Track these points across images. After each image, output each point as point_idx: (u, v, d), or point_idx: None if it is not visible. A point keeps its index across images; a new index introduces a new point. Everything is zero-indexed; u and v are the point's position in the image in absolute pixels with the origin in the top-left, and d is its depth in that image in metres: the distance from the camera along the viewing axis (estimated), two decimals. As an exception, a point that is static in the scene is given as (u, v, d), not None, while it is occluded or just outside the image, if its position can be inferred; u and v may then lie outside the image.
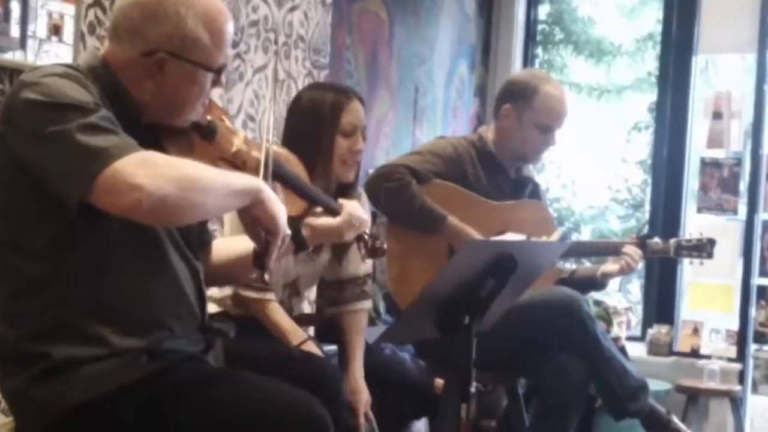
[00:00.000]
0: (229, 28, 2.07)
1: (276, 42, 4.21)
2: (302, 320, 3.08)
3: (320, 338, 3.24)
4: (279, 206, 1.95)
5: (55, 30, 3.21)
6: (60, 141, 1.79)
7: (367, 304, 3.20)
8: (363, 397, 2.99)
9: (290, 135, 2.97)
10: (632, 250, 3.43)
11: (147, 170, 1.76)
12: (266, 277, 2.06)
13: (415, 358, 3.98)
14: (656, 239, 3.55)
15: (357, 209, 2.41)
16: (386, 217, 3.40)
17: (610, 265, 3.48)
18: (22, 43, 3.10)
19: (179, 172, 1.81)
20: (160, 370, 1.95)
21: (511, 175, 3.53)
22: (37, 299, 1.90)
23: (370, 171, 3.58)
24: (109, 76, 2.00)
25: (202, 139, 2.12)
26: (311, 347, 2.89)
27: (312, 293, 3.36)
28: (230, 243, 2.34)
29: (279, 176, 2.23)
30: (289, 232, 1.98)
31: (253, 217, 1.94)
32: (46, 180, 1.82)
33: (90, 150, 1.77)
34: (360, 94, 3.12)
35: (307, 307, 3.18)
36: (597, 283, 3.55)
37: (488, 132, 3.54)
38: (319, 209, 2.36)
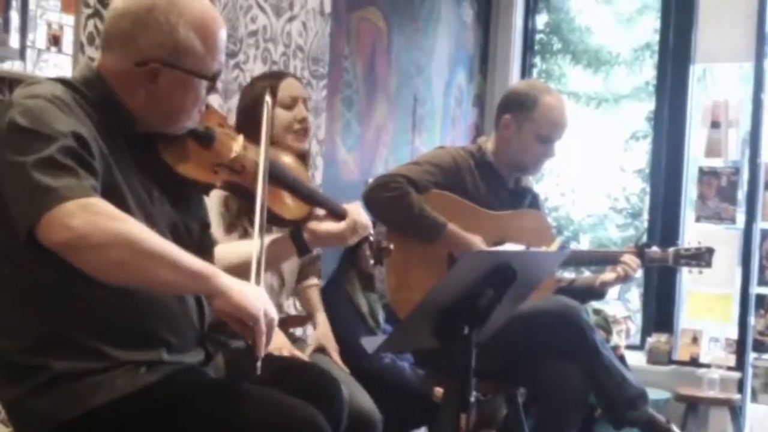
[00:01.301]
0: (222, 34, 2.06)
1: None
2: (291, 322, 3.08)
3: None
4: (246, 292, 1.84)
5: (55, 40, 3.22)
6: (16, 172, 1.78)
7: (315, 281, 3.36)
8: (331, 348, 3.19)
9: (238, 124, 2.97)
10: (630, 259, 3.43)
11: (86, 215, 1.73)
12: (257, 369, 1.87)
13: (415, 367, 3.98)
14: (655, 248, 3.55)
15: (361, 214, 2.37)
16: (385, 227, 3.40)
17: (608, 274, 3.48)
18: (22, 54, 3.10)
19: (117, 226, 1.76)
20: (159, 382, 1.94)
21: (509, 185, 3.54)
22: (33, 311, 1.90)
23: (369, 180, 3.58)
24: (102, 87, 1.99)
25: (199, 146, 2.12)
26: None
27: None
28: (232, 248, 2.34)
29: (279, 179, 2.23)
30: (274, 315, 1.87)
31: (220, 312, 1.86)
32: (5, 203, 1.82)
33: (40, 189, 1.74)
34: (296, 75, 3.19)
35: (293, 307, 3.20)
36: (595, 292, 3.56)
37: (488, 142, 3.54)
38: (322, 212, 2.34)
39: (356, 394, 2.90)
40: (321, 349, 3.18)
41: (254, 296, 1.85)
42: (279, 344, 2.84)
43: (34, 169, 1.76)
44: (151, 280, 1.81)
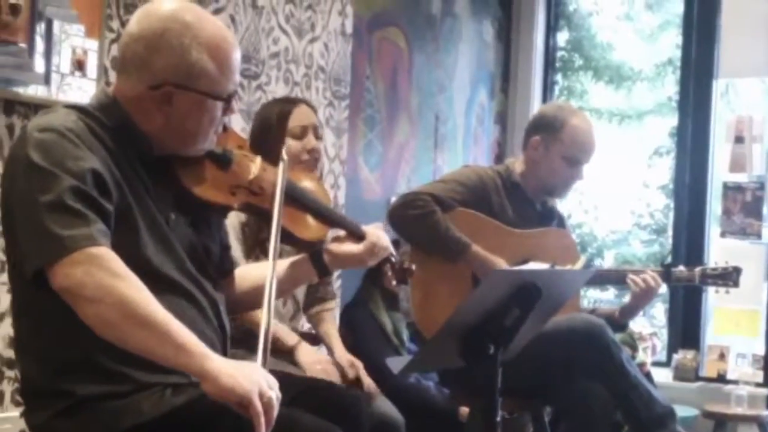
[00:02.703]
0: (236, 55, 2.06)
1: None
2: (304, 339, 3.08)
3: None
4: (236, 375, 1.76)
5: (79, 65, 3.24)
6: (28, 211, 1.80)
7: (335, 303, 3.36)
8: (357, 363, 3.09)
9: (250, 147, 2.99)
10: (649, 276, 3.35)
11: (88, 266, 1.75)
12: None
13: (440, 386, 3.97)
14: (681, 267, 3.49)
15: (380, 237, 2.36)
16: (410, 245, 3.40)
17: (627, 303, 3.43)
18: (46, 78, 3.13)
19: (113, 284, 1.76)
20: (184, 404, 1.94)
21: (537, 207, 3.52)
22: (57, 335, 1.91)
23: (392, 199, 3.58)
24: (118, 111, 2.00)
25: (217, 168, 2.12)
26: (305, 349, 2.89)
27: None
28: (250, 270, 2.34)
29: (296, 200, 2.23)
30: (272, 393, 1.77)
31: (211, 396, 1.79)
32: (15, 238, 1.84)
33: (49, 236, 1.76)
34: (309, 101, 3.22)
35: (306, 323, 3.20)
36: (615, 323, 3.46)
37: (516, 163, 3.53)
38: (342, 233, 2.34)
39: (378, 400, 2.91)
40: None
41: (246, 377, 1.77)
42: (315, 359, 2.85)
43: (46, 211, 1.78)
44: (135, 347, 1.79)
